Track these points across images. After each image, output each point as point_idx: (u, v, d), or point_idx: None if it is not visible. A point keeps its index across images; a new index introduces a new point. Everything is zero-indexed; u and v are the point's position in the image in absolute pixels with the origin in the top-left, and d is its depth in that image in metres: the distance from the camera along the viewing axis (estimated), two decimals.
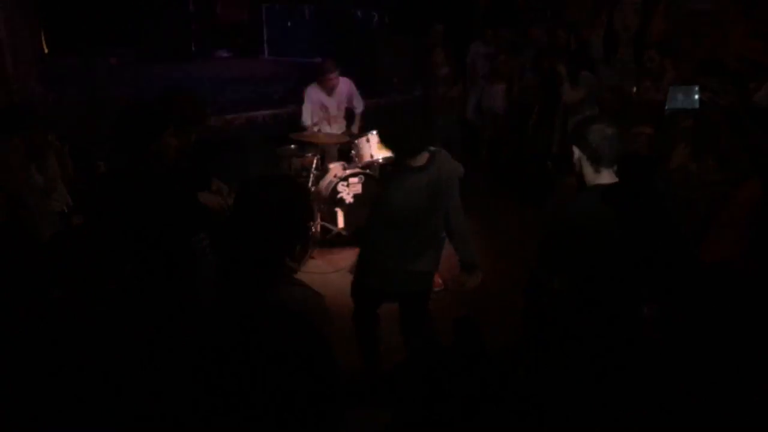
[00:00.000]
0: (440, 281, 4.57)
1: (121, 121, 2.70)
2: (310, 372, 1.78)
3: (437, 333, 3.50)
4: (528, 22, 7.60)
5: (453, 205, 3.15)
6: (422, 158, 2.98)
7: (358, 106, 6.05)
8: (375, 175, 5.55)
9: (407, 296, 3.32)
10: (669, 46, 4.66)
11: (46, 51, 8.70)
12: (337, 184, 5.38)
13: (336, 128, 5.91)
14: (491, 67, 7.03)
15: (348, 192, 5.44)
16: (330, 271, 5.00)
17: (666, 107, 3.72)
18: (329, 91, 5.76)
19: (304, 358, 1.78)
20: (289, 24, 10.59)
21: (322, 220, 5.42)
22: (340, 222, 5.45)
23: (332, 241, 5.45)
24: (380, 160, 5.56)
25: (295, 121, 6.38)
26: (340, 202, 5.43)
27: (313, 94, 5.81)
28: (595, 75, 6.15)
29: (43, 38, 8.85)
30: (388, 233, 3.06)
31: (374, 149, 5.83)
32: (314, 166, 5.60)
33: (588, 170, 2.59)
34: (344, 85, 5.89)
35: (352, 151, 5.60)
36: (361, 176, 5.44)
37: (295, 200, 1.83)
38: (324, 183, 5.48)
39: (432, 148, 3.04)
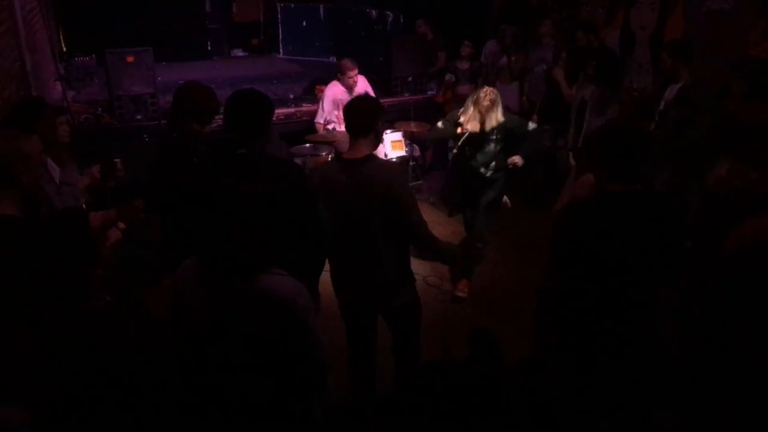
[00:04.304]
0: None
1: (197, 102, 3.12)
2: (298, 352, 1.92)
3: (451, 343, 3.26)
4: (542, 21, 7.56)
5: (411, 219, 2.86)
6: (356, 151, 2.87)
7: None
8: None
9: (386, 311, 3.13)
10: (680, 47, 4.53)
11: (64, 50, 8.81)
12: None
13: None
14: (502, 66, 7.01)
15: None
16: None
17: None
18: (350, 89, 5.79)
19: (290, 339, 1.90)
20: (304, 24, 10.63)
21: None
22: None
23: None
24: (394, 159, 5.54)
25: (310, 121, 6.40)
26: None
27: (336, 90, 5.85)
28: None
29: (61, 37, 8.96)
30: (334, 236, 2.95)
31: (388, 148, 5.84)
32: None
33: (605, 174, 2.47)
34: (361, 82, 5.93)
35: None
36: None
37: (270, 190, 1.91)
38: None
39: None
